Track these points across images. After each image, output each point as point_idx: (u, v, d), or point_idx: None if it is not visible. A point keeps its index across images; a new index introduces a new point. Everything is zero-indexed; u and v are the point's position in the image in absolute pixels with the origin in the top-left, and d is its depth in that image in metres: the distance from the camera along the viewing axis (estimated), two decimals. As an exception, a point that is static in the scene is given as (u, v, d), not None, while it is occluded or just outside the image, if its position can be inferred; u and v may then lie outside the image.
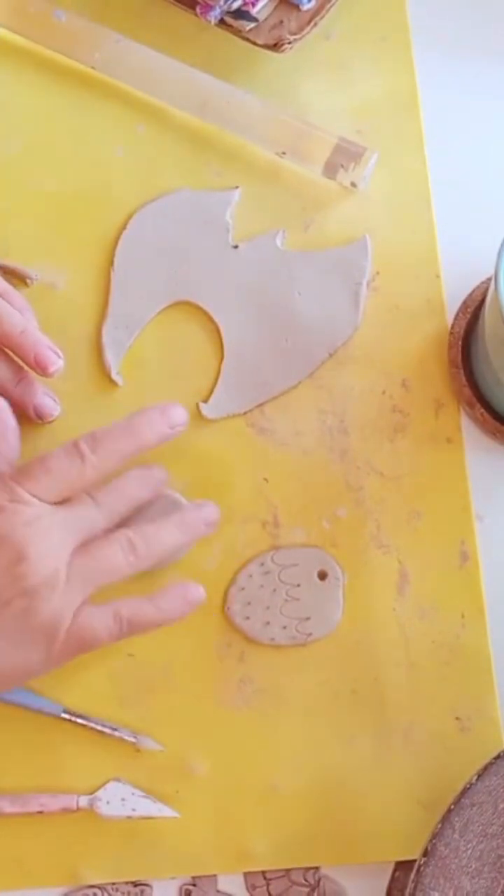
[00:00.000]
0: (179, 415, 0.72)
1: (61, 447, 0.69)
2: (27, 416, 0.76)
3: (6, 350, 0.75)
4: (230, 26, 0.78)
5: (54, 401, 0.76)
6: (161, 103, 0.81)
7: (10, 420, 0.73)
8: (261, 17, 0.78)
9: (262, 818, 0.74)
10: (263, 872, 0.73)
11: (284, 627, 0.75)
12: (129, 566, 0.69)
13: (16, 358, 0.75)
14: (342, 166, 0.78)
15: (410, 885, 0.66)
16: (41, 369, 0.74)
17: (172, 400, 0.73)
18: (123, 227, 0.80)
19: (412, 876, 0.66)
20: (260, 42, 0.78)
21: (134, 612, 0.69)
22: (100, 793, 0.73)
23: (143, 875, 0.74)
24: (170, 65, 0.80)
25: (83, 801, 0.73)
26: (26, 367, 0.75)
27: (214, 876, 0.74)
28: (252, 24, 0.78)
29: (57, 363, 0.74)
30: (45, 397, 0.76)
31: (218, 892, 0.73)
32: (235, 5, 0.77)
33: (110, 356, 0.78)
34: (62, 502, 0.69)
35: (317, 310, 0.78)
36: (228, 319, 0.78)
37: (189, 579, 0.72)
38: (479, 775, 0.67)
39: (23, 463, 0.70)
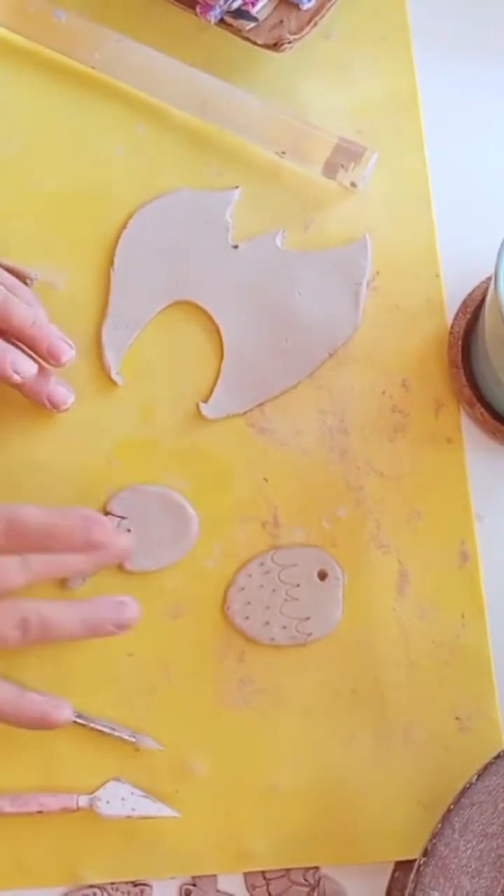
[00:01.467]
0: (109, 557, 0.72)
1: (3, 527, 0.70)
2: (42, 406, 0.76)
3: (18, 343, 0.75)
4: (230, 26, 0.78)
5: (68, 390, 0.76)
6: (161, 103, 0.81)
7: None
8: (261, 17, 0.78)
9: (262, 818, 0.74)
10: (263, 872, 0.73)
11: (284, 627, 0.75)
12: (15, 642, 0.70)
13: (27, 350, 0.75)
14: (342, 166, 0.78)
15: (410, 885, 0.66)
16: (54, 360, 0.74)
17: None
18: (123, 226, 0.80)
19: (412, 876, 0.66)
20: (260, 42, 0.78)
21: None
22: (99, 792, 0.73)
23: (143, 875, 0.74)
24: (170, 65, 0.80)
25: (83, 800, 0.72)
26: (38, 359, 0.75)
27: (214, 876, 0.74)
28: (252, 24, 0.78)
29: (69, 353, 0.75)
30: (58, 386, 0.76)
31: (218, 891, 0.73)
32: (235, 5, 0.77)
33: (110, 356, 0.78)
34: None
35: (317, 310, 0.78)
36: (228, 319, 0.78)
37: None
38: (479, 775, 0.66)
39: None
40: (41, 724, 0.71)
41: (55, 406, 0.76)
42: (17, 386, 0.75)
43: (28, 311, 0.74)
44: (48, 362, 0.75)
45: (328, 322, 0.78)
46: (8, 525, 0.69)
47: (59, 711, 0.71)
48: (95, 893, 0.73)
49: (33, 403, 0.76)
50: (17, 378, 0.73)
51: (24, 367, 0.73)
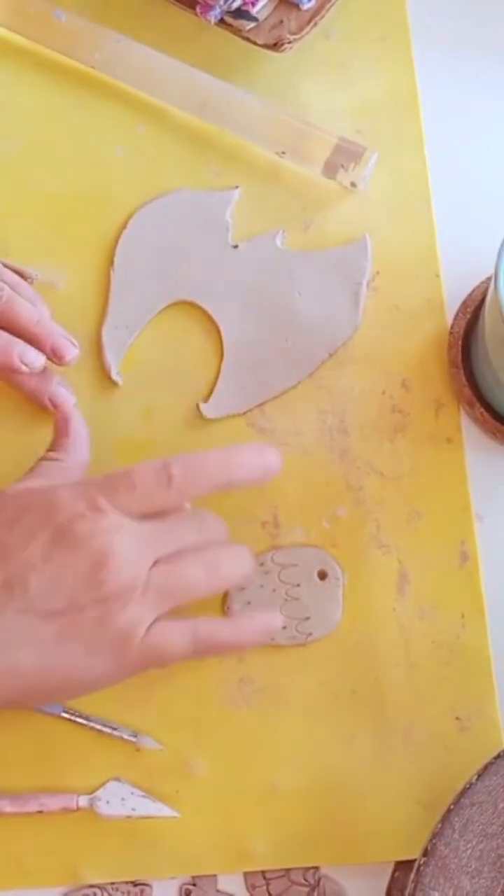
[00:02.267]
0: (274, 461, 0.70)
1: (149, 464, 0.67)
2: (41, 407, 0.76)
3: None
4: (230, 26, 0.78)
5: (69, 391, 0.76)
6: (161, 103, 0.81)
7: (84, 428, 0.74)
8: (261, 17, 0.78)
9: (262, 818, 0.73)
10: (263, 872, 0.73)
11: (284, 627, 0.74)
12: (210, 587, 0.68)
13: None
14: (342, 166, 0.78)
15: (410, 885, 0.66)
16: (58, 358, 0.74)
17: (266, 444, 0.73)
18: (123, 226, 0.80)
19: (412, 876, 0.66)
20: (260, 42, 0.78)
21: (212, 632, 0.68)
22: (99, 792, 0.73)
23: (143, 875, 0.73)
24: (170, 65, 0.80)
25: (83, 800, 0.72)
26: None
27: (214, 876, 0.73)
28: (252, 24, 0.78)
29: (73, 351, 0.75)
30: (59, 387, 0.76)
31: (218, 891, 0.73)
32: (235, 5, 0.77)
33: (110, 356, 0.78)
34: (149, 515, 0.68)
35: (317, 310, 0.78)
36: (228, 319, 0.78)
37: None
38: (479, 775, 0.66)
39: (107, 474, 0.68)
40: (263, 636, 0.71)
41: (56, 407, 0.76)
42: (19, 385, 0.75)
43: (31, 310, 0.74)
44: (52, 361, 0.75)
45: (328, 322, 0.78)
46: (182, 469, 0.67)
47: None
48: (95, 893, 0.73)
49: (34, 405, 0.76)
50: (24, 369, 0.73)
51: (31, 357, 0.73)
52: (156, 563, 0.66)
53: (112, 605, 0.65)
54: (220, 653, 0.69)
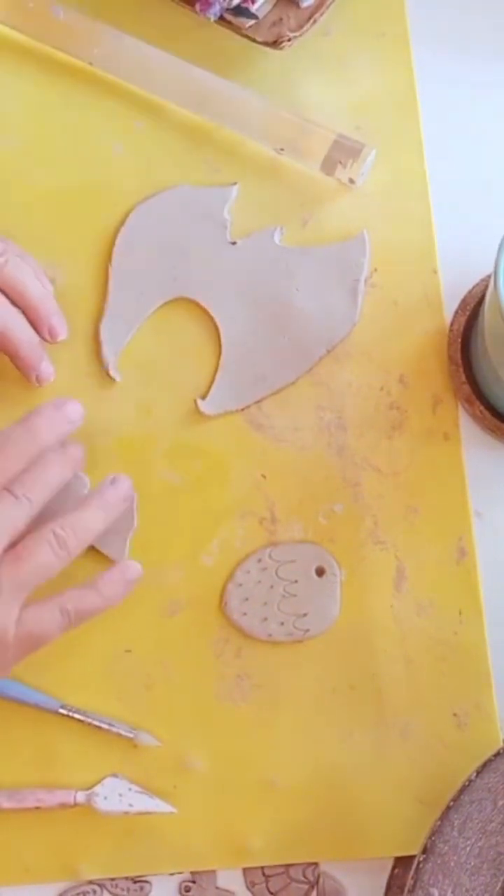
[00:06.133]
0: (74, 410, 0.73)
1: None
2: (27, 381, 0.77)
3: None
4: (230, 23, 0.78)
5: (51, 368, 0.77)
6: (159, 99, 0.81)
7: None
8: (260, 14, 0.78)
9: (260, 814, 0.74)
10: (263, 870, 0.73)
11: (282, 623, 0.75)
12: (61, 561, 0.69)
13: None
14: (340, 163, 0.78)
15: (410, 882, 0.66)
16: (52, 338, 0.76)
17: (71, 398, 0.73)
18: (122, 223, 0.80)
19: (411, 873, 0.66)
20: (259, 39, 0.78)
21: (78, 602, 0.69)
22: (97, 788, 0.73)
23: (141, 870, 0.74)
24: (169, 61, 0.80)
25: (80, 796, 0.73)
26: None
27: (214, 872, 0.74)
28: (252, 21, 0.78)
29: (64, 333, 0.77)
30: (48, 364, 0.77)
31: (217, 888, 0.73)
32: (235, 2, 0.77)
33: (108, 352, 0.78)
34: None
35: (315, 306, 0.78)
36: (226, 316, 0.78)
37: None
38: (479, 772, 0.67)
39: None
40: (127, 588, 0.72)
41: (40, 382, 0.77)
42: (12, 355, 0.75)
43: (38, 284, 0.76)
44: (44, 339, 0.76)
45: (326, 318, 0.78)
46: None
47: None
48: (95, 890, 0.73)
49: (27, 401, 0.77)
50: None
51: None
52: (2, 554, 0.68)
53: None
54: (95, 615, 0.71)
